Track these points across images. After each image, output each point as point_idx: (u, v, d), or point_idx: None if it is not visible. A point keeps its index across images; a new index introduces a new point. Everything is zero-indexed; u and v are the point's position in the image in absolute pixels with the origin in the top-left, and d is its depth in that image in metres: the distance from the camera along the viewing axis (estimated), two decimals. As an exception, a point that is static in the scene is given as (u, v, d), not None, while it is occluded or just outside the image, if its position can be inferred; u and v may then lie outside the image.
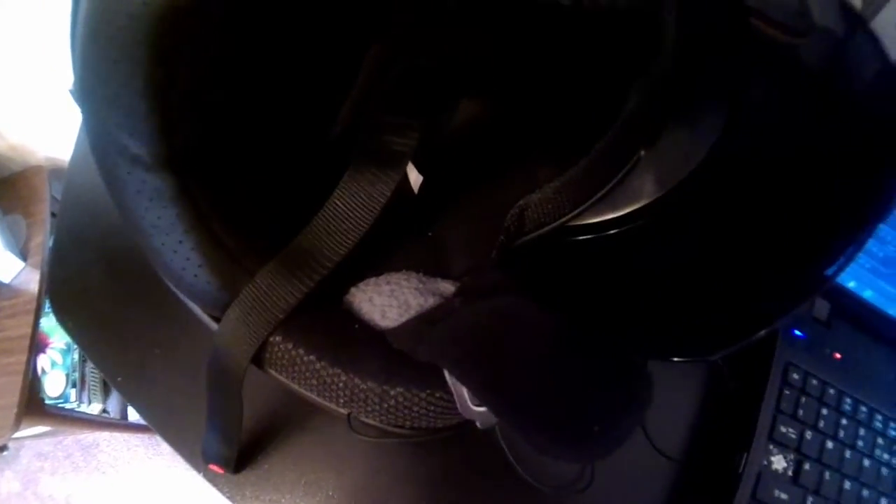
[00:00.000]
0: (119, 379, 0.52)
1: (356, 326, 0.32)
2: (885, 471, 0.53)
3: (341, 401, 0.29)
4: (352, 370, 0.29)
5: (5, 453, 1.40)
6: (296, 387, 0.30)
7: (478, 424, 0.28)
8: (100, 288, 0.56)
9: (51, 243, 0.90)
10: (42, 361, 1.16)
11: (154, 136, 0.25)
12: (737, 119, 0.35)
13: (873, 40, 0.35)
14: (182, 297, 0.31)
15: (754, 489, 0.48)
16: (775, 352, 0.53)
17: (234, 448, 0.40)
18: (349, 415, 0.30)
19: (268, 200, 0.33)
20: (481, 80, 0.41)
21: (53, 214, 1.05)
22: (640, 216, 0.36)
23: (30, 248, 1.02)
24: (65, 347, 1.19)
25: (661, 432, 0.51)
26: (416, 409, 0.29)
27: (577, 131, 0.37)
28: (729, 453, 0.50)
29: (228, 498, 0.47)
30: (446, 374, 0.27)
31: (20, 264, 0.99)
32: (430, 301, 0.33)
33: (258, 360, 0.30)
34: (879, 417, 0.55)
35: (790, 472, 0.50)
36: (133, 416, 1.28)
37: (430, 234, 0.40)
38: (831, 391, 0.54)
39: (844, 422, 0.53)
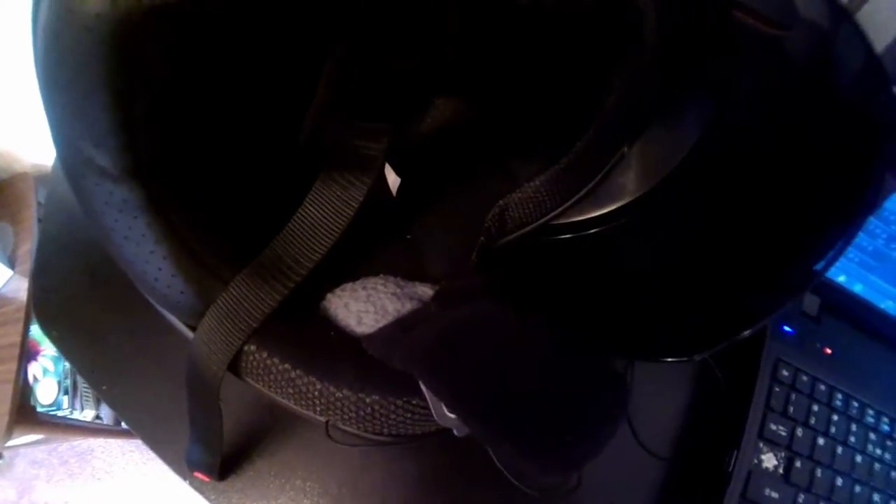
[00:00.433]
0: (104, 387, 0.52)
1: (332, 333, 0.31)
2: (877, 466, 0.53)
3: (318, 409, 0.29)
4: (327, 378, 0.28)
5: (0, 462, 1.39)
6: (273, 395, 0.30)
7: (455, 432, 0.27)
8: (84, 296, 0.55)
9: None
10: (34, 369, 1.15)
11: (119, 147, 0.25)
12: (721, 113, 0.35)
13: (858, 33, 0.35)
14: (157, 306, 0.31)
15: (744, 488, 0.48)
16: (764, 348, 0.53)
17: (217, 456, 0.40)
18: (327, 422, 0.29)
19: (239, 208, 0.32)
20: (455, 79, 0.40)
21: (41, 220, 1.04)
22: (624, 213, 0.36)
23: (18, 255, 1.02)
24: (56, 355, 1.18)
25: (649, 431, 0.50)
26: (392, 416, 0.28)
27: (557, 128, 0.37)
28: (718, 452, 0.50)
29: (215, 505, 0.47)
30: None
31: (8, 272, 0.99)
32: (408, 306, 0.32)
33: (235, 368, 0.30)
34: (871, 412, 0.55)
35: (781, 470, 0.49)
36: (127, 421, 1.27)
37: (408, 236, 0.40)
38: (822, 387, 0.54)
39: (836, 418, 0.53)
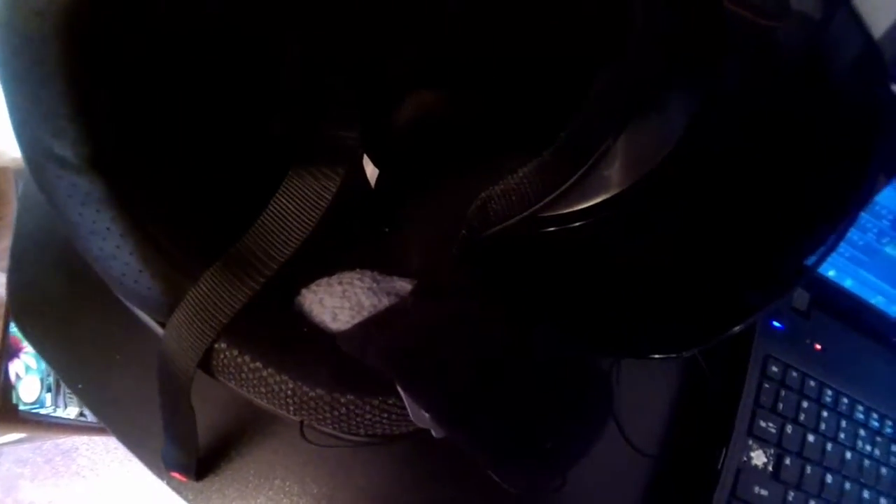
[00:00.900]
0: (80, 386, 0.51)
1: (306, 330, 0.30)
2: (867, 463, 0.53)
3: (291, 409, 0.28)
4: (300, 377, 0.27)
5: (-17, 460, 1.38)
6: (246, 394, 0.29)
7: (433, 433, 0.26)
8: (59, 293, 0.54)
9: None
10: (15, 367, 1.14)
11: (78, 136, 0.24)
12: (710, 105, 0.34)
13: (855, 19, 0.34)
14: (126, 302, 0.30)
15: (734, 485, 0.47)
16: (753, 344, 0.52)
17: (193, 455, 0.39)
18: (301, 423, 0.29)
19: (208, 201, 0.31)
20: (431, 69, 0.39)
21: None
22: (610, 206, 0.35)
23: (-2, 251, 1.00)
24: (32, 348, 1.17)
25: (637, 428, 0.50)
26: (368, 416, 0.27)
27: (541, 119, 0.36)
28: (708, 449, 0.49)
29: (193, 505, 0.46)
30: (397, 381, 0.25)
31: (-13, 269, 0.97)
32: (385, 301, 0.32)
33: (206, 366, 0.29)
34: (861, 408, 0.55)
35: (770, 468, 0.49)
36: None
37: (386, 229, 0.39)
38: (812, 383, 0.53)
39: (825, 414, 0.53)
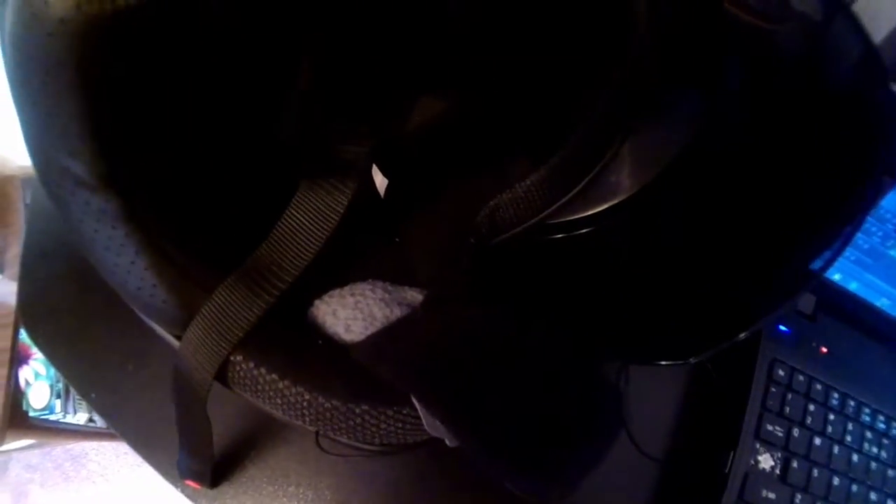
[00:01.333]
0: (92, 395, 0.51)
1: (320, 342, 0.31)
2: (874, 465, 0.53)
3: (307, 419, 0.28)
4: (315, 388, 0.28)
5: (-7, 466, 1.39)
6: (262, 405, 0.29)
7: (447, 442, 0.27)
8: (70, 302, 0.54)
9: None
10: (25, 373, 1.15)
11: (92, 155, 0.24)
12: (714, 109, 0.34)
13: (854, 23, 0.34)
14: (141, 315, 0.30)
15: (741, 489, 0.48)
16: (760, 348, 0.52)
17: (208, 463, 0.40)
18: (317, 432, 0.29)
19: (221, 215, 0.32)
20: (438, 77, 0.40)
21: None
22: (616, 212, 0.35)
23: (6, 259, 1.01)
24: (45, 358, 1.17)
25: (645, 433, 0.50)
26: (383, 426, 0.28)
27: (548, 126, 0.36)
28: (715, 453, 0.50)
29: (207, 513, 0.46)
30: (411, 392, 0.26)
31: (-3, 277, 0.98)
32: (397, 312, 0.32)
33: (222, 378, 0.29)
34: (868, 411, 0.55)
35: (778, 471, 0.49)
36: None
37: (397, 239, 0.40)
38: (818, 386, 0.53)
39: (832, 417, 0.53)
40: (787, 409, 0.51)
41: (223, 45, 0.30)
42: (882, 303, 0.58)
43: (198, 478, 0.41)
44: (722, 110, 0.35)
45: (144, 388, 0.50)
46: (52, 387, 1.17)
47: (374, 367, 0.27)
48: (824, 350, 0.56)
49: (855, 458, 0.52)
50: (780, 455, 0.50)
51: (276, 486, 0.46)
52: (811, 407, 0.52)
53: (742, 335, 0.35)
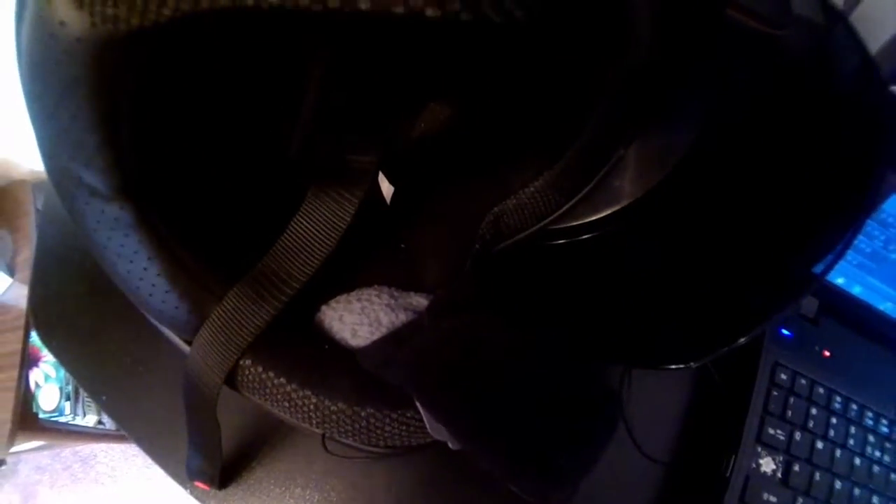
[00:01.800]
0: (104, 398, 0.52)
1: (327, 347, 0.31)
2: (876, 468, 0.53)
3: (314, 422, 0.29)
4: (322, 392, 0.28)
5: (3, 468, 1.40)
6: (270, 408, 0.30)
7: (450, 445, 0.27)
8: (82, 306, 0.55)
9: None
10: (35, 376, 1.16)
11: (107, 167, 0.25)
12: (716, 114, 0.35)
13: (852, 35, 0.35)
14: (153, 321, 0.31)
15: (743, 492, 0.48)
16: (762, 352, 0.53)
17: (217, 465, 0.40)
18: (323, 435, 0.30)
19: (231, 223, 0.32)
20: (443, 86, 0.40)
21: (39, 229, 1.04)
22: (621, 218, 0.36)
23: (17, 263, 1.01)
24: (56, 360, 1.18)
25: (647, 436, 0.50)
26: (388, 428, 0.28)
27: (551, 133, 0.37)
28: (717, 456, 0.50)
29: (215, 514, 0.47)
30: (415, 396, 0.26)
31: (8, 280, 0.99)
32: (402, 317, 0.33)
33: (231, 382, 0.30)
34: (870, 414, 0.55)
35: (779, 474, 0.49)
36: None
37: (402, 245, 0.40)
38: (820, 390, 0.54)
39: (834, 420, 0.53)
40: (789, 413, 0.51)
41: (234, 60, 0.30)
42: (885, 306, 0.58)
43: (206, 479, 0.41)
44: (724, 115, 0.35)
45: (154, 390, 0.51)
46: (61, 389, 1.17)
47: (380, 372, 0.28)
48: (827, 354, 0.56)
49: (857, 461, 0.52)
50: (781, 458, 0.50)
51: (283, 488, 0.47)
52: (813, 410, 0.52)
53: (744, 339, 0.35)
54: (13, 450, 0.97)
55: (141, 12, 0.19)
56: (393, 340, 0.30)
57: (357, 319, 0.32)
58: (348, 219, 0.34)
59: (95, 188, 0.25)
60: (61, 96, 0.22)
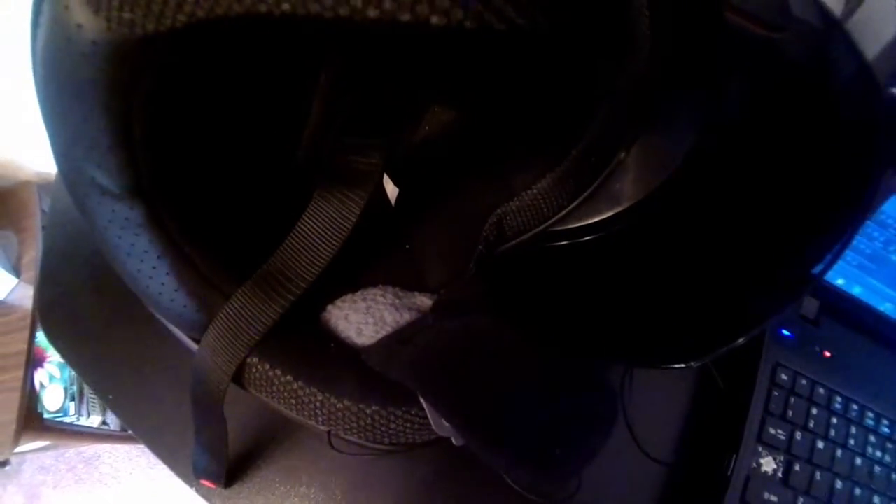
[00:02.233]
0: (110, 397, 0.52)
1: (332, 345, 0.32)
2: (877, 469, 0.53)
3: (320, 419, 0.29)
4: (328, 389, 0.29)
5: (7, 468, 1.40)
6: (276, 405, 0.30)
7: (454, 441, 0.28)
8: (89, 306, 0.56)
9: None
10: (40, 376, 1.16)
11: (120, 167, 0.25)
12: (716, 116, 0.35)
13: (848, 41, 0.35)
14: (161, 319, 0.31)
15: (743, 492, 0.48)
16: (763, 352, 0.53)
17: (223, 463, 0.40)
18: (329, 432, 0.30)
19: (239, 223, 0.33)
20: (446, 90, 0.40)
21: (45, 228, 1.05)
22: (622, 219, 0.36)
23: (23, 264, 1.02)
24: (62, 361, 1.19)
25: (649, 435, 0.51)
26: (392, 426, 0.29)
27: (553, 135, 0.37)
28: (717, 456, 0.50)
29: (221, 511, 0.47)
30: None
31: (13, 280, 1.00)
32: (407, 317, 0.33)
33: (238, 379, 0.31)
34: (871, 415, 0.55)
35: (780, 474, 0.50)
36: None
37: (407, 246, 0.40)
38: (821, 390, 0.54)
39: (835, 421, 0.53)
40: (790, 413, 0.52)
41: (245, 64, 0.31)
42: (885, 307, 0.58)
43: (213, 477, 0.42)
44: (724, 116, 0.35)
45: (161, 389, 0.51)
46: (66, 389, 1.18)
47: (384, 370, 0.29)
48: (827, 354, 0.56)
49: (858, 461, 0.53)
50: (782, 458, 0.50)
51: (289, 486, 0.47)
52: (814, 410, 0.53)
53: (745, 338, 0.35)
54: (17, 450, 0.97)
55: (157, 18, 0.20)
56: (397, 339, 0.31)
57: (362, 318, 0.33)
58: (353, 220, 0.34)
59: (107, 187, 0.26)
60: (75, 98, 0.23)
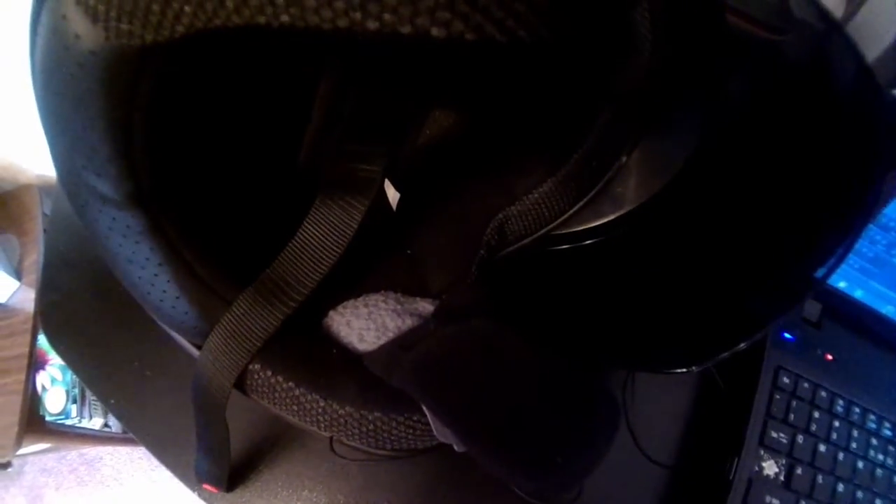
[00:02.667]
0: (112, 401, 0.52)
1: (334, 351, 0.32)
2: (879, 472, 0.53)
3: (322, 426, 0.29)
4: (329, 396, 0.29)
5: (9, 470, 1.40)
6: (278, 411, 0.30)
7: (455, 448, 0.28)
8: (91, 309, 0.56)
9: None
10: (42, 378, 1.16)
11: (120, 175, 0.25)
12: (718, 120, 0.35)
13: (849, 43, 0.35)
14: (163, 326, 0.31)
15: (745, 495, 0.48)
16: (765, 355, 0.53)
17: (225, 467, 0.40)
18: (331, 438, 0.30)
19: (240, 230, 0.33)
20: (447, 97, 0.40)
21: (46, 231, 1.05)
22: (624, 223, 0.36)
23: (24, 267, 1.02)
24: (64, 364, 1.19)
25: (651, 439, 0.51)
26: (394, 432, 0.29)
27: (554, 140, 0.37)
28: (719, 459, 0.50)
29: (222, 516, 0.47)
30: (421, 399, 0.27)
31: (15, 284, 1.00)
32: (408, 322, 0.33)
33: (240, 386, 0.30)
34: (873, 417, 0.55)
35: (782, 477, 0.50)
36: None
37: (409, 251, 0.40)
38: (823, 393, 0.54)
39: (837, 424, 0.53)
40: (792, 416, 0.52)
41: (244, 73, 0.31)
42: (887, 310, 0.58)
43: (215, 482, 0.42)
44: (726, 119, 0.35)
45: (163, 393, 0.51)
46: (68, 392, 1.18)
47: (386, 376, 0.28)
48: (829, 357, 0.56)
49: (860, 464, 0.53)
50: (784, 462, 0.50)
51: (290, 491, 0.47)
52: (816, 414, 0.53)
53: (747, 342, 0.35)
54: (19, 452, 0.97)
55: (155, 28, 0.20)
56: (399, 345, 0.31)
57: (364, 324, 0.33)
58: (355, 226, 0.34)
59: (108, 196, 0.26)
60: (75, 107, 0.23)
